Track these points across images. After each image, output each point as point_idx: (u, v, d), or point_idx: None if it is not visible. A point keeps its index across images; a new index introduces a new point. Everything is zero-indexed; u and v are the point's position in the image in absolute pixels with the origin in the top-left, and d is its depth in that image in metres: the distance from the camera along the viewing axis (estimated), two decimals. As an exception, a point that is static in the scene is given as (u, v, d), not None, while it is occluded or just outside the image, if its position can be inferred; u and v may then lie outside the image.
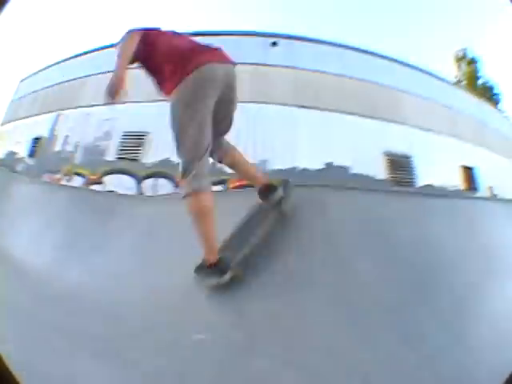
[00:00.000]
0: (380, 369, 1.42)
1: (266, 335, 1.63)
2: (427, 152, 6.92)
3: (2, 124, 10.14)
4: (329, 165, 4.90)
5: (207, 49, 2.08)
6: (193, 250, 2.14)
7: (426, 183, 6.33)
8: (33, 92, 9.58)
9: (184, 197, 1.84)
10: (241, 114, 5.18)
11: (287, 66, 5.83)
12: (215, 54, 2.06)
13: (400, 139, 6.59)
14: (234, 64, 2.11)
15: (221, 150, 2.16)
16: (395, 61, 8.01)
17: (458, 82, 20.28)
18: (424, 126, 7.39)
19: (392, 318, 1.84)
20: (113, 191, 5.55)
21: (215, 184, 4.92)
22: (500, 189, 8.50)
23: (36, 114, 8.70)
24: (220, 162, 2.20)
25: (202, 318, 1.86)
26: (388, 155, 6.07)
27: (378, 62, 7.56)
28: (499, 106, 18.40)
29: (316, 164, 4.88)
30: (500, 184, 8.65)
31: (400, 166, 6.18)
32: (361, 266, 2.13)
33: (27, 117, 9.04)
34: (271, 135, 5.00)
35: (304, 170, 4.74)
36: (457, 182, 7.36)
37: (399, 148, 6.36)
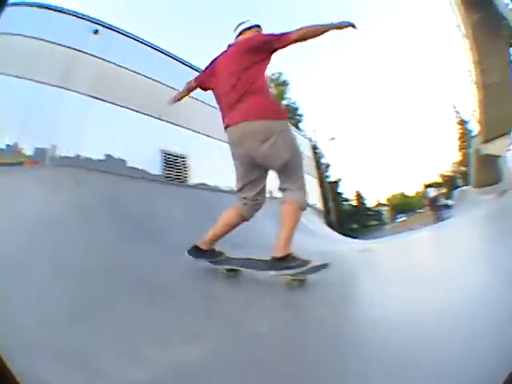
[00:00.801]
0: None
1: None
2: (205, 154, 7.71)
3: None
4: (108, 156, 5.28)
5: (235, 106, 2.33)
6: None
7: (200, 182, 7.01)
8: None
9: None
10: (39, 96, 5.24)
11: (97, 57, 6.04)
12: (234, 115, 2.33)
13: (178, 140, 7.23)
14: (263, 118, 2.27)
15: (282, 195, 2.38)
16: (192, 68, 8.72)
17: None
18: (208, 132, 8.11)
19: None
20: None
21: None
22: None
23: None
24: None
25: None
26: (164, 153, 6.64)
27: (179, 68, 8.25)
28: (300, 125, 22.28)
29: (98, 155, 5.21)
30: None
31: (174, 164, 6.75)
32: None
33: None
34: (61, 121, 5.17)
35: (87, 159, 5.00)
36: (231, 183, 8.33)
37: (176, 148, 6.97)
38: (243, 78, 2.29)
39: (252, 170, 2.39)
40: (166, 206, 3.91)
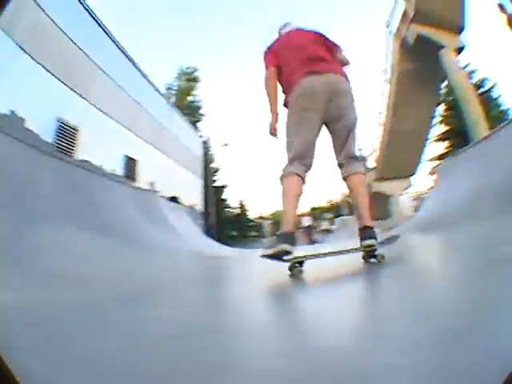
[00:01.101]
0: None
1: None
2: (97, 132, 7.74)
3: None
4: (12, 113, 5.35)
5: (310, 63, 2.33)
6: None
7: (84, 158, 6.95)
8: None
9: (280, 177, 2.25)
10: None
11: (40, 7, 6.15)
12: (315, 68, 2.30)
13: (77, 111, 7.18)
14: (337, 73, 2.33)
15: (343, 170, 2.32)
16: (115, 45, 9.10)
17: (168, 89, 23.87)
18: (105, 109, 8.21)
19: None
20: None
21: None
22: (159, 185, 10.18)
23: None
24: (344, 180, 2.31)
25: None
26: (60, 122, 6.61)
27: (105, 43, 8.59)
28: (198, 124, 23.01)
29: (4, 109, 5.25)
30: (160, 181, 10.43)
31: (66, 135, 6.69)
32: None
33: None
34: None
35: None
36: (115, 167, 8.42)
37: (72, 119, 6.93)
38: (315, 49, 2.42)
39: (318, 127, 2.31)
40: (41, 177, 3.78)
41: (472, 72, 20.19)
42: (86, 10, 7.91)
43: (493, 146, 4.23)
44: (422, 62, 15.25)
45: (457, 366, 0.73)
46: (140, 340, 1.02)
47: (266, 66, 2.56)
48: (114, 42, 9.22)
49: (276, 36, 2.78)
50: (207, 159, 19.51)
